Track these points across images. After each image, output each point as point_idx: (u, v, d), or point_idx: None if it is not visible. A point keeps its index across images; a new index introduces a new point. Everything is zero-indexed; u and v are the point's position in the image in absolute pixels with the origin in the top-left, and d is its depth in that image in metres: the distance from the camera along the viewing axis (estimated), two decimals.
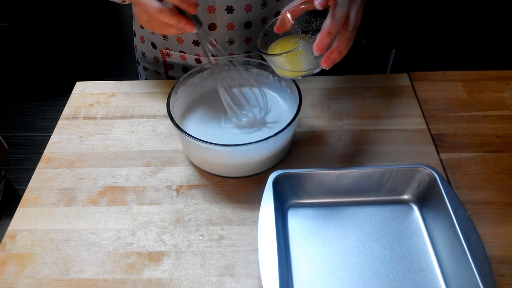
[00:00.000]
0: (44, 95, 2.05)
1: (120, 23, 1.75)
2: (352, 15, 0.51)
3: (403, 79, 0.77)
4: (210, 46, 0.60)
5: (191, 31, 0.56)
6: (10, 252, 0.55)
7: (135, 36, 0.85)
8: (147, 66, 0.87)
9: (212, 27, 0.72)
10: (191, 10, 0.55)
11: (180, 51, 0.78)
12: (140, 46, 0.84)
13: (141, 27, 0.80)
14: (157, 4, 0.53)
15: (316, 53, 0.50)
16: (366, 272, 0.51)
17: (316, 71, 0.55)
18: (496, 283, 0.45)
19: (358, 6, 0.52)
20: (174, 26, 0.55)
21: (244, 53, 0.77)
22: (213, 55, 0.62)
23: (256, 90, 0.65)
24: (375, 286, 0.50)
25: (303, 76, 0.56)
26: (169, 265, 0.53)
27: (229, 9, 0.69)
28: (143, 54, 0.84)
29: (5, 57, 1.91)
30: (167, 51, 0.79)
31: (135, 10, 0.59)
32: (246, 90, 0.66)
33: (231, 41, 0.74)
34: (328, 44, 0.49)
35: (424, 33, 1.51)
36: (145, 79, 0.90)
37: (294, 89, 0.62)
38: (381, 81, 0.77)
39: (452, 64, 1.59)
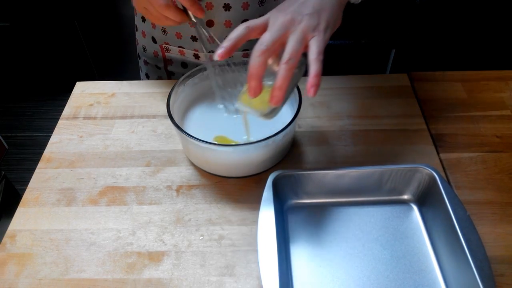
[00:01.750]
0: (44, 95, 2.05)
1: (120, 23, 1.75)
2: (289, 45, 0.46)
3: (403, 79, 0.77)
4: (207, 42, 0.60)
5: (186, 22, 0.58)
6: (10, 252, 0.55)
7: (136, 31, 0.85)
8: (147, 61, 0.87)
9: (210, 23, 0.72)
10: (199, 15, 0.56)
11: (179, 46, 0.78)
12: (141, 41, 0.84)
13: (143, 20, 0.80)
14: (164, 0, 0.54)
15: (251, 96, 0.47)
16: (366, 272, 0.51)
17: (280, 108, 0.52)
18: (496, 283, 0.45)
19: (301, 32, 0.46)
20: (173, 21, 0.57)
21: (242, 50, 0.77)
22: (211, 51, 0.61)
23: None
24: (375, 286, 0.50)
25: (272, 116, 0.52)
26: (169, 265, 0.53)
27: (226, 7, 0.70)
28: (144, 49, 0.85)
29: (5, 57, 1.91)
30: (167, 45, 0.79)
31: None
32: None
33: None
34: (256, 86, 0.46)
35: (424, 33, 1.51)
36: (146, 74, 0.90)
37: (294, 89, 0.62)
38: (381, 81, 0.77)
39: (452, 64, 1.59)
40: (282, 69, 0.46)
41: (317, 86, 0.46)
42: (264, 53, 0.46)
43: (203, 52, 0.62)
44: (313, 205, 0.58)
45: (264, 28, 0.48)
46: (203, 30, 0.59)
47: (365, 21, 1.52)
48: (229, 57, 0.48)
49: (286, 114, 0.65)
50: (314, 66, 0.46)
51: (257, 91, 0.47)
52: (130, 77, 0.86)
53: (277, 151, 0.61)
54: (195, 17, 0.57)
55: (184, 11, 0.57)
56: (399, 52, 1.57)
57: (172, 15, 0.56)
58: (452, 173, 0.62)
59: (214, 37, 0.60)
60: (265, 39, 0.46)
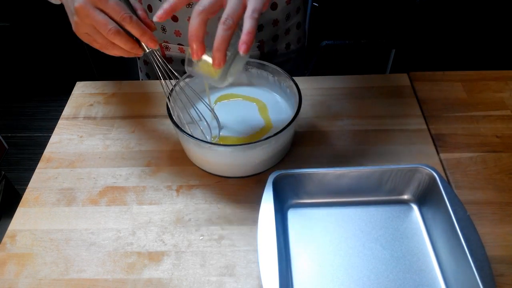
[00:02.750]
0: (44, 95, 2.05)
1: None
2: (227, 6, 0.46)
3: (403, 79, 0.77)
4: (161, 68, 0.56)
5: (140, 54, 0.53)
6: (10, 252, 0.55)
7: None
8: (147, 60, 0.87)
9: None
10: (151, 45, 0.52)
11: (179, 44, 0.78)
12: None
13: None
14: (113, 25, 0.48)
15: (194, 58, 0.49)
16: (366, 272, 0.51)
17: (233, 69, 0.52)
18: (496, 283, 0.45)
19: None
20: (122, 49, 0.52)
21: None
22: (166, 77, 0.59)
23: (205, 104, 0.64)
24: (375, 286, 0.50)
25: (226, 81, 0.53)
26: (169, 265, 0.53)
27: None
28: None
29: (5, 57, 1.91)
30: (166, 44, 0.79)
31: (72, 19, 0.51)
32: (200, 106, 0.64)
33: None
34: (197, 47, 0.47)
35: (424, 33, 1.52)
36: (146, 74, 0.90)
37: (294, 89, 0.62)
38: (381, 81, 0.77)
39: (452, 64, 1.59)
40: (219, 30, 0.46)
41: (248, 43, 0.46)
42: (201, 13, 0.46)
43: (161, 82, 0.58)
44: (313, 205, 0.58)
45: None
46: (158, 60, 0.56)
47: (365, 21, 1.52)
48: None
49: (286, 114, 0.65)
50: (246, 23, 0.46)
51: (199, 52, 0.47)
52: (130, 77, 0.86)
53: (277, 151, 0.61)
54: (147, 47, 0.53)
55: (136, 40, 0.52)
56: (399, 52, 1.57)
57: (122, 43, 0.50)
58: (452, 173, 0.62)
59: (170, 66, 0.57)
60: (203, 1, 0.46)
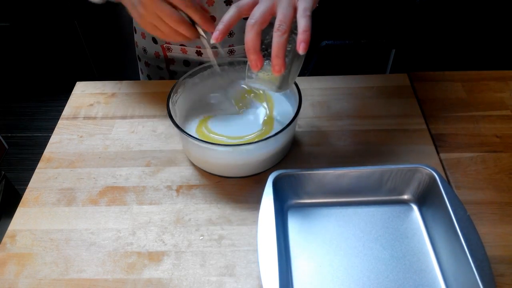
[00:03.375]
0: (44, 95, 2.05)
1: (120, 22, 1.75)
2: (278, 13, 0.48)
3: (403, 79, 0.77)
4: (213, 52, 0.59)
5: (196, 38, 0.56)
6: (10, 252, 0.55)
7: (135, 33, 0.85)
8: (148, 62, 0.87)
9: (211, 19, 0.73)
10: (210, 30, 0.54)
11: (181, 45, 0.78)
12: (141, 42, 0.84)
13: None
14: (178, 15, 0.53)
15: (254, 70, 0.50)
16: (366, 272, 0.51)
17: (293, 73, 0.53)
18: (496, 283, 0.45)
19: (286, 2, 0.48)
20: (184, 37, 0.55)
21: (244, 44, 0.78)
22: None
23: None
24: (375, 286, 0.50)
25: (285, 88, 0.55)
26: (169, 265, 0.53)
27: (228, 2, 0.70)
28: (144, 50, 0.85)
29: (5, 57, 1.91)
30: (168, 45, 0.80)
31: (137, 11, 0.55)
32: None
33: (230, 33, 0.76)
34: (256, 58, 0.49)
35: (424, 33, 1.52)
36: (147, 75, 0.90)
37: (294, 89, 0.62)
38: (381, 81, 0.77)
39: (452, 64, 1.59)
40: (275, 37, 0.47)
41: (306, 42, 0.47)
42: (254, 26, 0.48)
43: (213, 65, 0.62)
44: (313, 205, 0.58)
45: (254, 5, 0.50)
46: (208, 42, 0.58)
47: (365, 21, 1.52)
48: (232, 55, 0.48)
49: (286, 114, 0.65)
50: (301, 22, 0.47)
51: (258, 63, 0.50)
52: (131, 76, 0.86)
53: (277, 151, 0.61)
54: (205, 32, 0.56)
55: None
56: (399, 52, 1.57)
57: (186, 31, 0.54)
58: (452, 173, 0.62)
59: (220, 48, 0.60)
60: (254, 13, 0.49)
